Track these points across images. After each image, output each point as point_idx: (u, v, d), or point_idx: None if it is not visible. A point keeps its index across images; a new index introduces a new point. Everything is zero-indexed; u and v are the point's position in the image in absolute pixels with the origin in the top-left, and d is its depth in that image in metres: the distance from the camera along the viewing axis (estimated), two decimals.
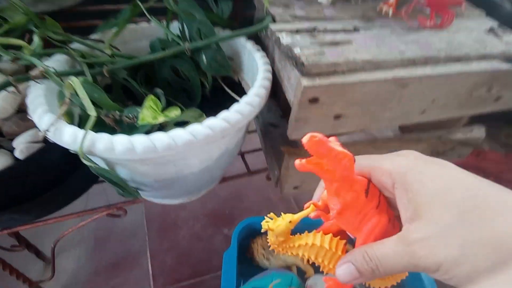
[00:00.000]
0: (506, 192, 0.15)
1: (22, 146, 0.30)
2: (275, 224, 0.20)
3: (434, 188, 0.16)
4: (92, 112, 0.25)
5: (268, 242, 0.22)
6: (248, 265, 0.59)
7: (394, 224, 0.19)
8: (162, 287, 0.56)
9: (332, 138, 0.18)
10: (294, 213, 0.21)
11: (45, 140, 0.33)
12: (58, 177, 0.36)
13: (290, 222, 0.20)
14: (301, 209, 0.21)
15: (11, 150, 0.31)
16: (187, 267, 0.59)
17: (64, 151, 0.35)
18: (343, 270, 0.19)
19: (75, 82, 0.27)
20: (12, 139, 0.32)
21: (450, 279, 0.15)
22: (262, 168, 0.50)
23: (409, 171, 0.17)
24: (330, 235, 0.21)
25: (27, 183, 0.33)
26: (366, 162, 0.19)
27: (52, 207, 0.38)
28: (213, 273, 0.59)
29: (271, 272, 0.50)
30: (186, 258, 0.60)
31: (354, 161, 0.17)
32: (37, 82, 0.28)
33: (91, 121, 0.25)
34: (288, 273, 0.50)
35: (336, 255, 0.20)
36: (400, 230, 0.17)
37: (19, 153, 0.31)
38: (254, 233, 0.60)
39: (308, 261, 0.21)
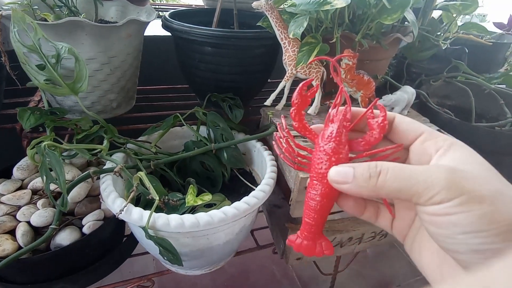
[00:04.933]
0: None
1: (90, 223, 0.40)
2: None
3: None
4: (156, 197, 0.36)
5: None
6: None
7: None
8: None
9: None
10: None
11: (104, 218, 0.43)
12: (106, 250, 0.45)
13: None
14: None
15: (79, 226, 0.41)
16: None
17: (113, 229, 0.45)
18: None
19: (142, 175, 0.38)
20: (80, 218, 0.42)
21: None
22: (268, 243, 0.58)
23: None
24: None
25: (85, 254, 0.41)
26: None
27: (95, 277, 0.45)
28: None
29: None
30: None
31: None
32: (117, 175, 0.39)
33: (155, 204, 0.36)
34: None
35: None
36: None
37: (86, 229, 0.40)
38: None
39: None
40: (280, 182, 0.57)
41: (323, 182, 0.23)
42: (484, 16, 1.77)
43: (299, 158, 0.26)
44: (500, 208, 0.17)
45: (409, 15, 0.53)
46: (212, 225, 0.36)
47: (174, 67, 0.67)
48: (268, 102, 0.55)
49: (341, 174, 0.21)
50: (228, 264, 0.75)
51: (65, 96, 0.54)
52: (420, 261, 0.22)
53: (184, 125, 0.55)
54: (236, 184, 0.53)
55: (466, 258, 0.17)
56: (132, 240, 0.49)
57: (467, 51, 0.73)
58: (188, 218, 0.35)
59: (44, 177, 0.36)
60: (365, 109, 0.24)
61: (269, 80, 0.69)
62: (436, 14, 0.72)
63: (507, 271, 0.12)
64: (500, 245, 0.16)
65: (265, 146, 0.52)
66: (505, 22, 1.01)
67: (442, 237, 0.18)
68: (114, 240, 0.46)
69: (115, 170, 0.38)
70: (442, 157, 0.20)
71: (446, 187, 0.17)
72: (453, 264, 0.19)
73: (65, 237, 0.38)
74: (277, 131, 0.28)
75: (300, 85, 0.26)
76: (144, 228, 0.35)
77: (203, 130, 0.56)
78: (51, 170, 0.36)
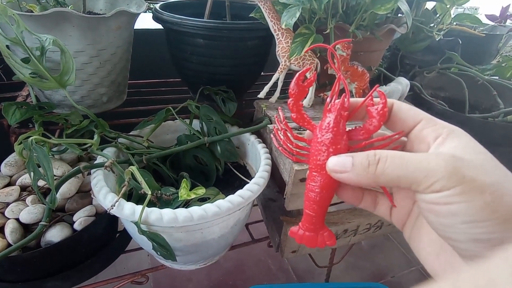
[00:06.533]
0: None
1: (81, 219, 0.39)
2: None
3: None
4: (148, 191, 0.35)
5: None
6: None
7: None
8: None
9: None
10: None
11: (96, 214, 0.42)
12: (98, 247, 0.44)
13: None
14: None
15: (70, 223, 0.40)
16: None
17: (106, 225, 0.44)
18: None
19: (134, 169, 0.37)
20: (71, 214, 0.41)
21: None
22: (263, 237, 0.58)
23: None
24: None
25: (77, 251, 0.40)
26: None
27: (87, 274, 0.44)
28: None
29: None
30: None
31: None
32: (108, 170, 0.38)
33: (147, 199, 0.35)
34: None
35: None
36: None
37: (78, 225, 0.39)
38: None
39: None
40: (275, 175, 0.56)
41: (322, 173, 0.23)
42: (476, 9, 1.78)
43: (297, 150, 0.26)
44: (501, 198, 0.16)
45: (403, 6, 0.52)
46: (206, 219, 0.35)
47: (166, 61, 0.66)
48: (261, 94, 0.54)
49: (340, 164, 0.21)
50: (223, 259, 0.75)
51: (54, 91, 0.52)
52: (419, 249, 0.22)
53: (176, 119, 0.54)
54: (230, 178, 0.53)
55: (467, 247, 0.17)
56: (126, 236, 0.48)
57: (460, 42, 0.73)
58: (181, 212, 0.34)
59: (32, 173, 0.35)
60: (364, 98, 0.24)
61: (262, 73, 0.68)
62: (429, 5, 0.72)
63: (508, 266, 0.11)
64: (502, 235, 0.16)
65: (259, 139, 0.52)
66: (497, 14, 1.02)
67: (442, 226, 0.18)
68: (107, 236, 0.45)
69: (106, 164, 0.37)
70: (440, 146, 0.20)
71: (446, 175, 0.17)
72: (451, 252, 0.19)
73: (55, 234, 0.37)
74: (273, 123, 0.28)
75: (297, 75, 0.25)
76: (136, 223, 0.34)
77: (196, 123, 0.55)
78: (39, 166, 0.35)
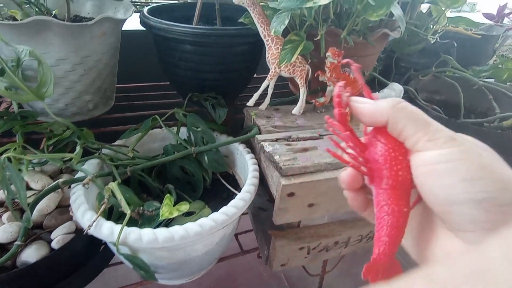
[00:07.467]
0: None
1: (59, 237, 0.38)
2: None
3: None
4: (127, 210, 0.34)
5: None
6: None
7: None
8: None
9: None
10: None
11: (76, 231, 0.41)
12: (79, 263, 0.43)
13: None
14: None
15: (48, 241, 0.39)
16: None
17: (87, 240, 0.43)
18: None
19: (114, 186, 0.36)
20: (50, 231, 0.39)
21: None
22: (254, 247, 0.57)
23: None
24: None
25: (56, 270, 0.39)
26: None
27: None
28: None
29: None
30: None
31: None
32: (85, 187, 0.37)
33: (127, 218, 0.34)
34: None
35: None
36: None
37: (55, 243, 0.38)
38: None
39: None
40: (266, 183, 0.55)
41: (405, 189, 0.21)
42: (474, 5, 1.75)
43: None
44: (496, 162, 0.19)
45: (396, 10, 0.50)
46: (188, 239, 0.34)
47: (155, 63, 0.64)
48: (250, 102, 0.53)
49: (362, 99, 0.23)
50: (214, 266, 0.73)
51: None
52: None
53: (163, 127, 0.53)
54: (218, 188, 0.52)
55: (465, 210, 0.18)
56: (110, 249, 0.47)
57: (455, 45, 0.72)
58: (161, 232, 0.33)
59: (5, 192, 0.33)
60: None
61: (256, 76, 0.66)
62: (424, 7, 0.70)
63: (503, 250, 0.12)
64: (497, 195, 0.18)
65: (247, 149, 0.50)
66: (494, 12, 1.00)
67: (444, 187, 0.19)
68: (89, 251, 0.44)
69: (83, 182, 0.36)
70: None
71: (449, 137, 0.20)
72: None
73: (31, 254, 0.36)
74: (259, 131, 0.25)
75: (336, 91, 0.23)
76: (114, 244, 0.33)
77: (184, 131, 0.53)
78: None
